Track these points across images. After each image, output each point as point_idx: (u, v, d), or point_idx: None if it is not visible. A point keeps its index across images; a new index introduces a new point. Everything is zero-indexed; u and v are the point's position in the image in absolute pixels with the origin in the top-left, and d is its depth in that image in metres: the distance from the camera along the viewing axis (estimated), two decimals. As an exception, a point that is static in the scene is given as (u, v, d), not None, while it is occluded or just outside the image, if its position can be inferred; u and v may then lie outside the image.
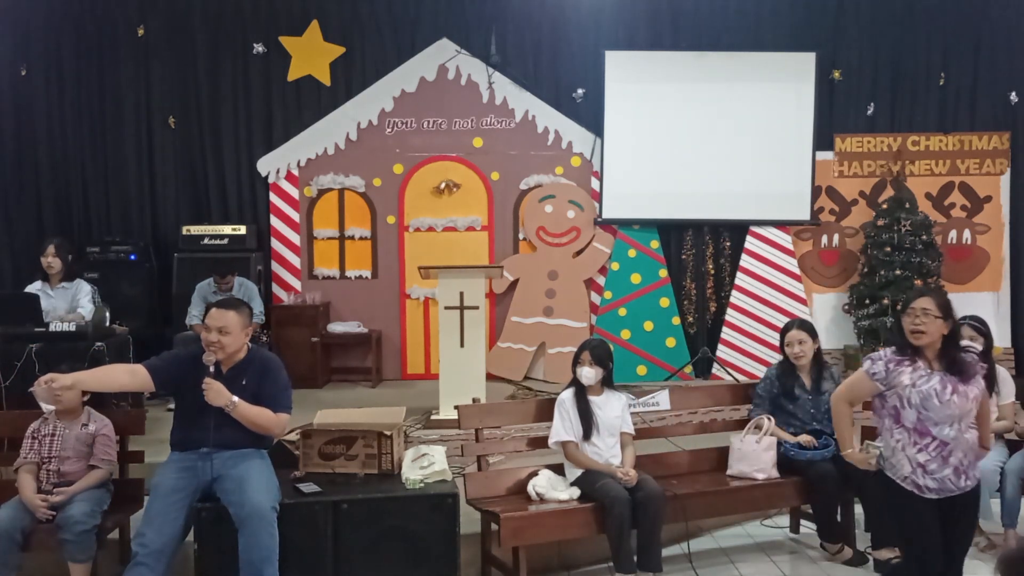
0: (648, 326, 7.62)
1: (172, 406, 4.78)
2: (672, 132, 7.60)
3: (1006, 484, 4.16)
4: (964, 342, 4.39)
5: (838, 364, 7.43)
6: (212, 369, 3.55)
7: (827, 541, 4.30)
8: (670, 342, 7.61)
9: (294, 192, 7.71)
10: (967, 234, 7.80)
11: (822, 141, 7.68)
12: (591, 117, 7.69)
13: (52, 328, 5.00)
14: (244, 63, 7.66)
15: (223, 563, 3.41)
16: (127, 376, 3.65)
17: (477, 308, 5.61)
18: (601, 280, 7.76)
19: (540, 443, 4.22)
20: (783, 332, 4.52)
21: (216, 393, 3.49)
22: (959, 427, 3.14)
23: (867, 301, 7.40)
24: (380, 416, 4.04)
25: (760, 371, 6.69)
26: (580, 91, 7.75)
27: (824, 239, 7.85)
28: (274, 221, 7.71)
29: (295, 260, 7.73)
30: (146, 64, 7.62)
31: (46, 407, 3.41)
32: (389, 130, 7.71)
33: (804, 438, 4.32)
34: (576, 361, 4.14)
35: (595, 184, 7.74)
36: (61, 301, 5.45)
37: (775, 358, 4.84)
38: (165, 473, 3.53)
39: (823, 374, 4.47)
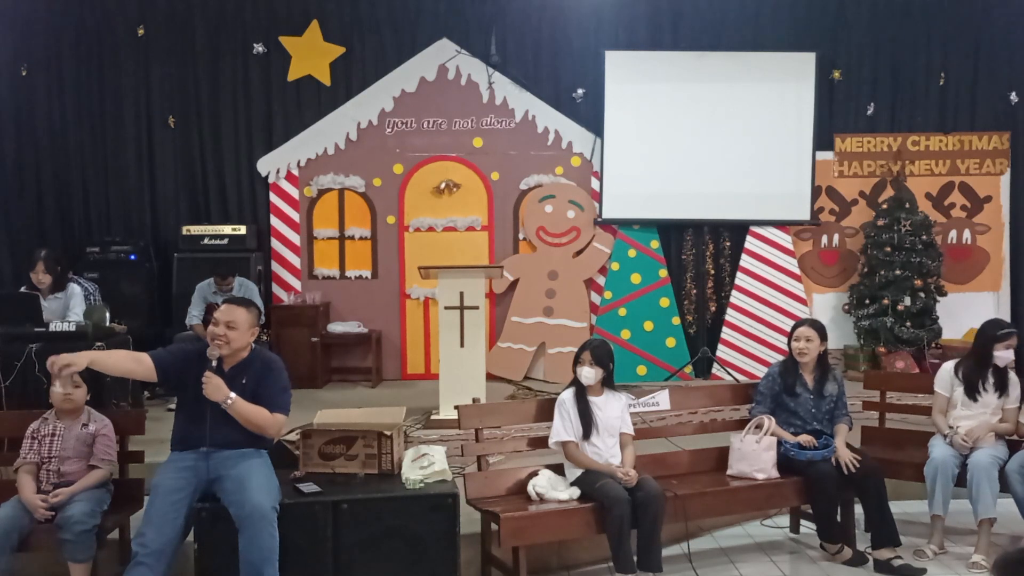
0: (648, 326, 7.62)
1: (172, 406, 4.79)
2: (672, 132, 7.60)
3: (1013, 484, 4.15)
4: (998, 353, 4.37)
5: (838, 364, 7.45)
6: (214, 364, 3.56)
7: (827, 541, 4.29)
8: (670, 342, 7.61)
9: (294, 192, 7.71)
10: (967, 234, 7.80)
11: (822, 141, 7.68)
12: (591, 117, 7.69)
13: (52, 328, 5.02)
14: (244, 63, 7.67)
15: (223, 563, 3.39)
16: (132, 363, 3.63)
17: (477, 308, 5.61)
18: (601, 280, 7.76)
19: (540, 443, 4.21)
20: (793, 329, 4.53)
21: (215, 388, 3.48)
22: None
23: (867, 301, 7.40)
24: (380, 416, 4.03)
25: (760, 371, 6.70)
26: (580, 91, 7.75)
27: (824, 239, 7.85)
28: (274, 221, 7.71)
29: (295, 260, 7.73)
30: (146, 64, 7.63)
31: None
32: (389, 130, 7.71)
33: (804, 438, 4.32)
34: (577, 361, 4.14)
35: (595, 184, 7.74)
36: (53, 311, 5.44)
37: (775, 358, 4.84)
38: (165, 473, 3.52)
39: (827, 376, 4.46)
